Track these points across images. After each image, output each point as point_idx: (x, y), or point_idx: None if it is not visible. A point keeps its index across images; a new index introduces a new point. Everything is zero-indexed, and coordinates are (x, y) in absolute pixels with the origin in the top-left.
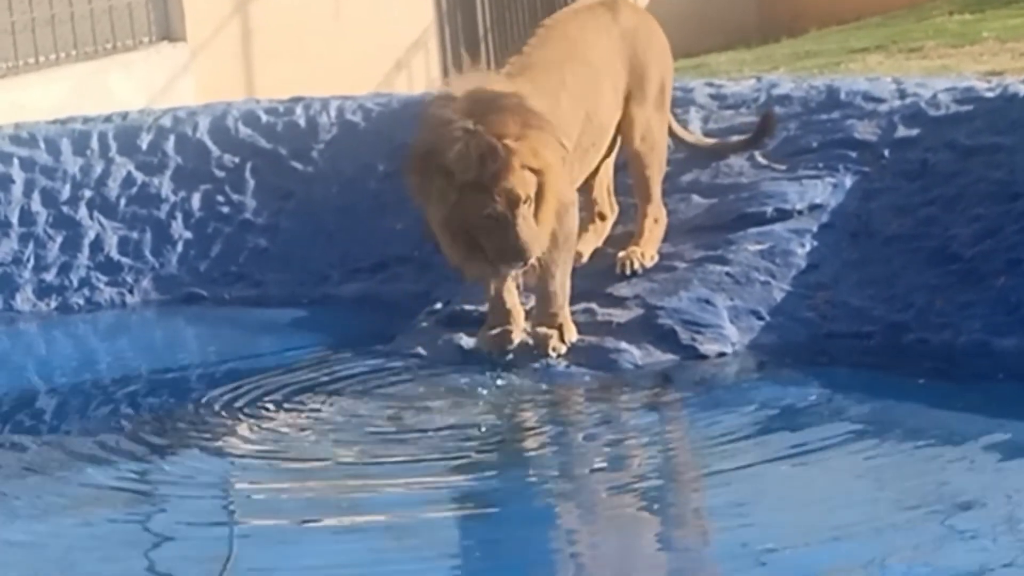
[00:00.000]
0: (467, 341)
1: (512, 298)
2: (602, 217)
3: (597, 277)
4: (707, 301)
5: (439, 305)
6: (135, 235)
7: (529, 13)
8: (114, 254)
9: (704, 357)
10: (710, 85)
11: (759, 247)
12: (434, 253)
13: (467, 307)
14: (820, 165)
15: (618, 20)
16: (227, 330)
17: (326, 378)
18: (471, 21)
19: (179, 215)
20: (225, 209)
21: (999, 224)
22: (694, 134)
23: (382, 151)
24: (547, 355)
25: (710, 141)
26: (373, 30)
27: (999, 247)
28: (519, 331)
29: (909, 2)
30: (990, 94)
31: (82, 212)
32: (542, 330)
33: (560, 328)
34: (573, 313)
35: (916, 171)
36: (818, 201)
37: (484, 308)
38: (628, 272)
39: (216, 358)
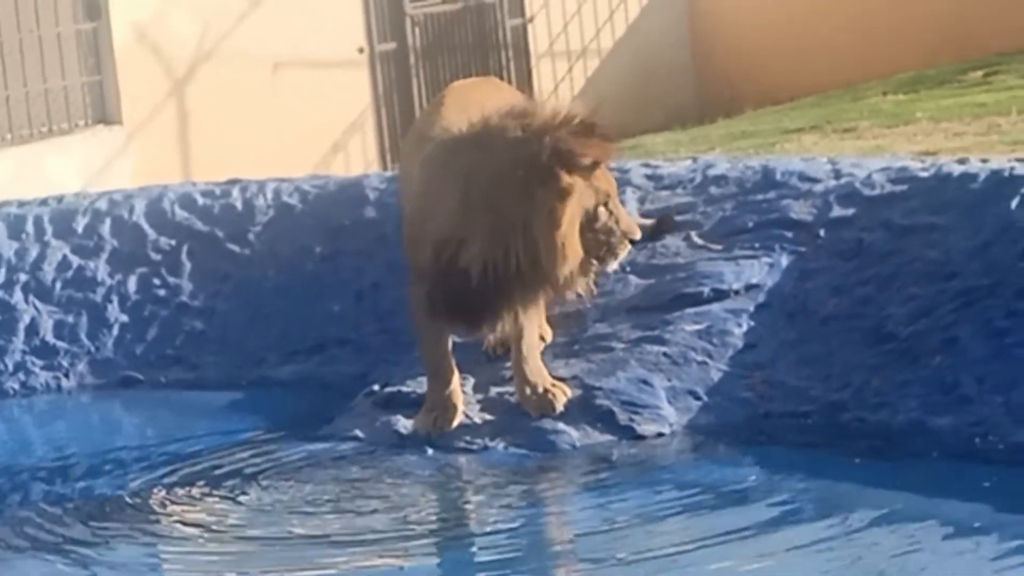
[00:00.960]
0: (405, 423)
1: (455, 378)
2: None
3: None
4: (645, 382)
5: (377, 387)
6: (71, 319)
7: None
8: (49, 338)
9: (642, 438)
10: (646, 166)
11: (696, 327)
12: (373, 335)
13: (405, 389)
14: (756, 245)
15: None
16: (164, 413)
17: (263, 461)
18: (407, 103)
19: (115, 298)
20: (161, 292)
21: (934, 303)
22: None
23: (319, 233)
24: (553, 412)
25: None
26: (310, 112)
27: (935, 326)
28: (459, 412)
29: (843, 83)
30: (924, 174)
31: (17, 296)
32: (543, 388)
33: (554, 383)
34: (511, 395)
35: (852, 251)
36: (755, 281)
37: (422, 390)
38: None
39: (153, 442)
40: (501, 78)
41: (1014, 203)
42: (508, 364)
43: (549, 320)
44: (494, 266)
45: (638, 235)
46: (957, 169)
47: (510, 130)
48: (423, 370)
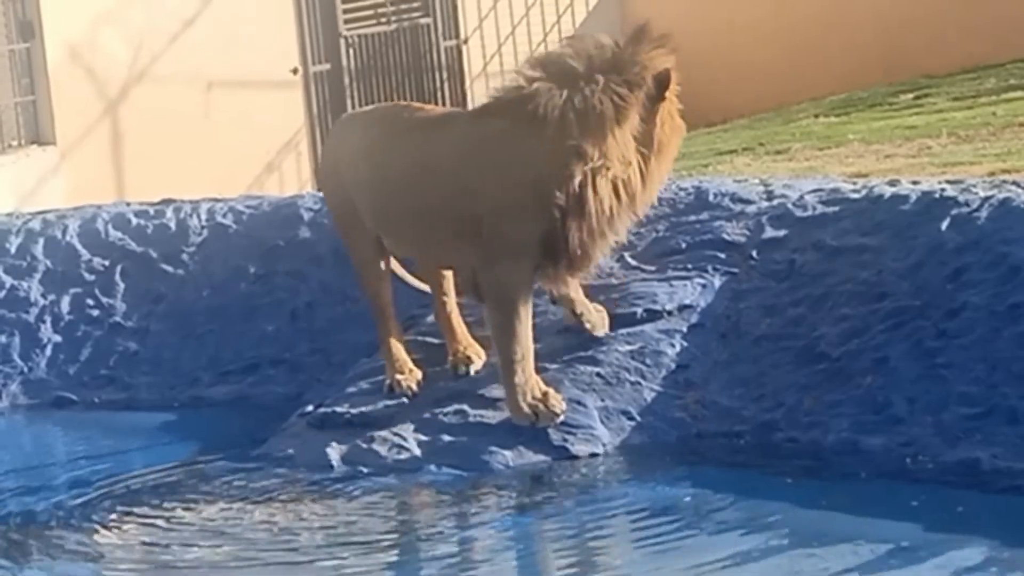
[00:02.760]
0: (337, 447)
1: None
2: None
3: (469, 379)
4: (578, 402)
5: (311, 407)
6: (3, 339)
7: None
8: None
9: (576, 458)
10: None
11: (630, 348)
12: (306, 355)
13: (339, 409)
14: (689, 266)
15: None
16: (97, 434)
17: (196, 482)
18: None
19: (48, 318)
20: (95, 312)
21: (866, 324)
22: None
23: (253, 253)
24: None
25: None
26: (244, 132)
27: (866, 347)
28: (553, 393)
29: (776, 105)
30: (856, 195)
31: None
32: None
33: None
34: (444, 414)
35: (784, 272)
36: (688, 302)
37: (356, 410)
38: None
39: (86, 462)
40: (436, 99)
41: (944, 225)
42: (443, 383)
43: (480, 341)
44: (624, 184)
45: None
46: (888, 191)
47: (601, 59)
48: (506, 359)
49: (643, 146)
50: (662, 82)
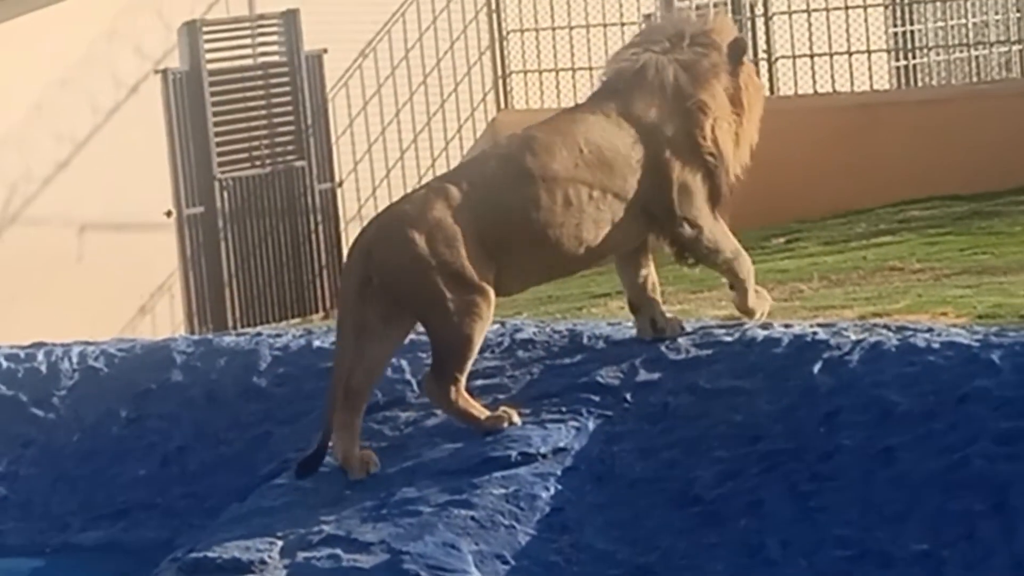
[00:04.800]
0: None
1: None
2: None
3: (342, 521)
4: (452, 546)
5: (181, 552)
6: None
7: (273, 261)
8: None
9: None
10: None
11: (504, 491)
12: (178, 499)
13: (211, 554)
14: (564, 409)
15: None
16: None
17: None
18: (216, 267)
19: None
20: None
21: (740, 466)
22: None
23: (125, 397)
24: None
25: None
26: (117, 275)
27: (741, 489)
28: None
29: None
30: (729, 339)
31: None
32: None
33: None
34: (318, 559)
35: (658, 414)
36: (562, 445)
37: (228, 555)
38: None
39: None
40: (310, 242)
41: (816, 368)
42: (317, 527)
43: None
44: (735, 137)
45: None
46: (761, 334)
47: (678, 33)
48: (745, 281)
49: (735, 107)
50: (739, 46)
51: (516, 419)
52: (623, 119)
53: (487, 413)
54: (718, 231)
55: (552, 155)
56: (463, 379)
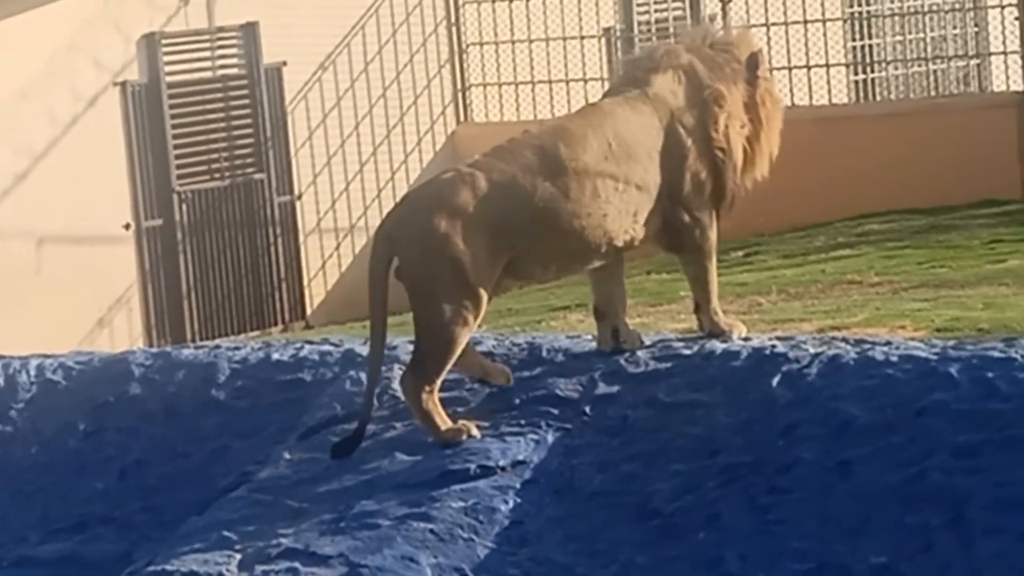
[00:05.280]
0: None
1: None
2: None
3: (300, 534)
4: (411, 559)
5: (139, 565)
6: None
7: (232, 274)
8: None
9: None
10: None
11: (463, 504)
12: (136, 512)
13: (169, 568)
14: (523, 422)
15: None
16: None
17: None
18: (174, 280)
19: None
20: None
21: (699, 480)
22: None
23: (82, 410)
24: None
25: None
26: (75, 288)
27: (699, 502)
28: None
29: None
30: (688, 352)
31: None
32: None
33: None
34: (276, 573)
35: (617, 427)
36: (521, 458)
37: (186, 569)
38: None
39: None
40: (269, 255)
41: (775, 380)
42: (275, 540)
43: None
44: (747, 141)
45: None
46: (719, 347)
47: (700, 38)
48: (708, 290)
49: (749, 115)
50: (755, 60)
51: (475, 432)
52: (648, 107)
53: (449, 424)
54: (710, 231)
55: (584, 147)
56: (438, 382)
